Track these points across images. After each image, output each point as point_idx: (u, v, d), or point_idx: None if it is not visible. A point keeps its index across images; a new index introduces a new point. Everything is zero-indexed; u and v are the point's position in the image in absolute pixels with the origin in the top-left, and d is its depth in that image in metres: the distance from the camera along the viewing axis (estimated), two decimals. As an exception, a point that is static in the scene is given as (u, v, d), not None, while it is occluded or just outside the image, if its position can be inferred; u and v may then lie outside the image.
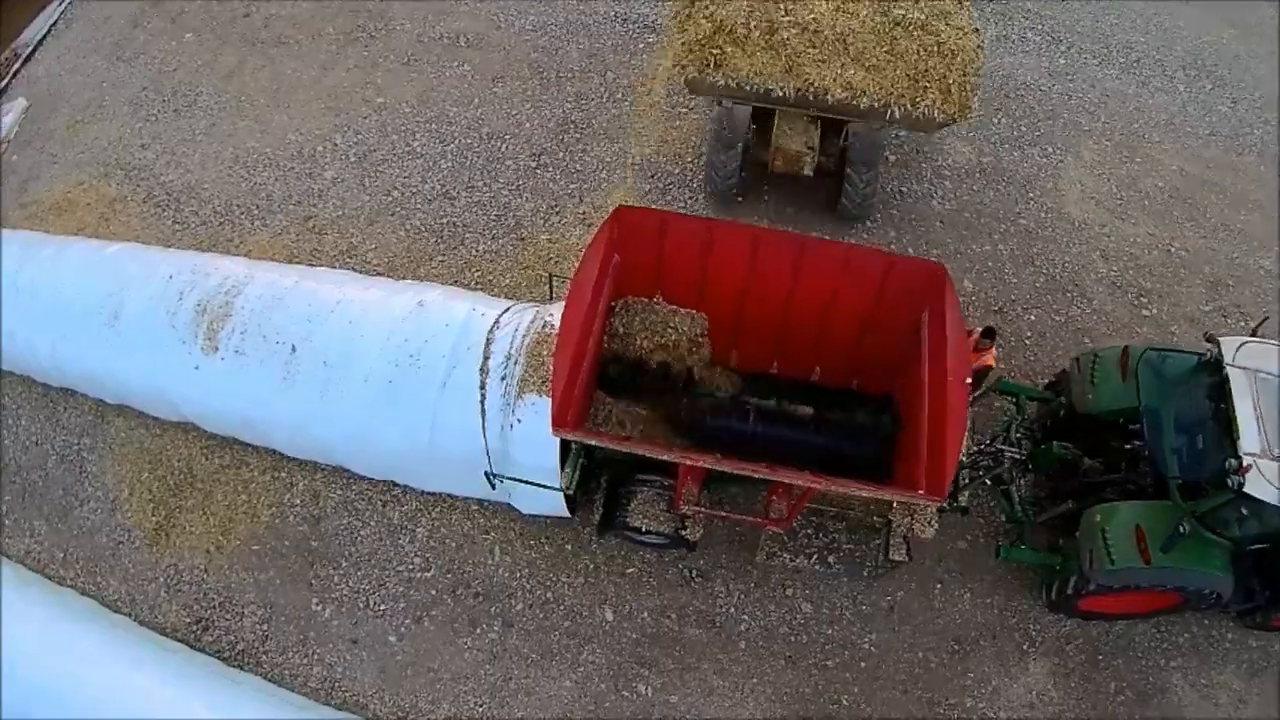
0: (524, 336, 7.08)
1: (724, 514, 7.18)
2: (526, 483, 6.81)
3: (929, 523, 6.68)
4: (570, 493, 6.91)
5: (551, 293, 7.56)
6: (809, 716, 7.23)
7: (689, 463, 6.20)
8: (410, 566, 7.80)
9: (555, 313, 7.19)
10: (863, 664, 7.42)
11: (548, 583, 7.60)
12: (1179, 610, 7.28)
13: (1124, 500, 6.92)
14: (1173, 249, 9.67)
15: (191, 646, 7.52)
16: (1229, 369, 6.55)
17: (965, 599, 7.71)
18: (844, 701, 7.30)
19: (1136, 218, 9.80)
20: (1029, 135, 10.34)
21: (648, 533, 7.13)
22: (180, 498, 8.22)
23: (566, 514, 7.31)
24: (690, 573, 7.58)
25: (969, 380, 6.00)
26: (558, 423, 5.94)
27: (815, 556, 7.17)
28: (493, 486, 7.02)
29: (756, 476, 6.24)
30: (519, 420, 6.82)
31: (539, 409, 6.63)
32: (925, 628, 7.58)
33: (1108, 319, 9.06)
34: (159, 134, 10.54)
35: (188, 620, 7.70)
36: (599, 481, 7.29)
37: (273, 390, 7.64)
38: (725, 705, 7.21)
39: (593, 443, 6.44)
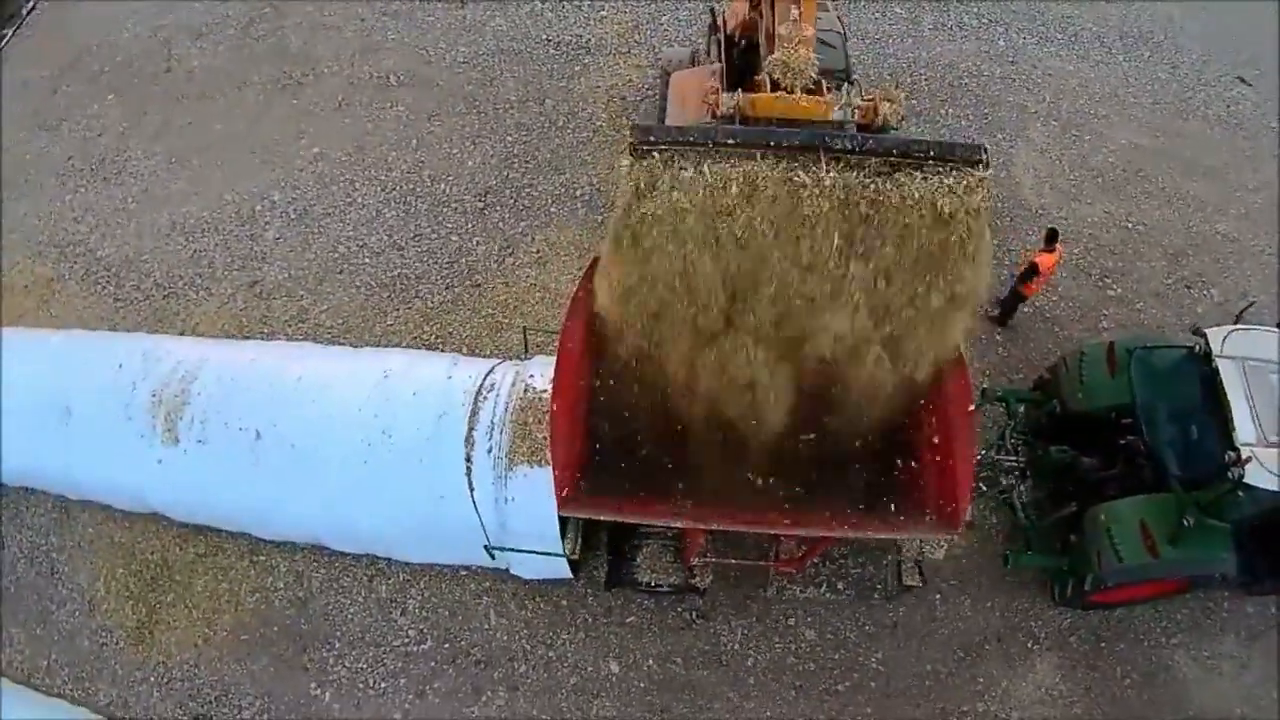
0: (507, 403, 6.91)
1: (735, 561, 7.03)
2: (530, 552, 6.65)
3: (939, 544, 6.65)
4: (575, 558, 6.77)
5: (527, 347, 7.34)
6: (827, 743, 7.21)
7: (703, 527, 6.00)
8: (405, 640, 7.59)
9: (535, 372, 7.02)
10: (873, 684, 7.40)
11: (548, 641, 7.45)
12: (1186, 592, 7.41)
13: (1124, 495, 6.96)
14: (1130, 224, 9.75)
15: (194, 745, 7.22)
16: (1218, 360, 6.61)
17: (966, 606, 7.72)
18: (859, 723, 7.29)
19: (1092, 197, 9.86)
20: (977, 124, 10.35)
21: (658, 586, 7.02)
22: (159, 592, 7.92)
23: (569, 576, 7.17)
24: (691, 614, 7.49)
25: (972, 408, 5.84)
26: (563, 503, 5.72)
27: (825, 585, 7.12)
28: (492, 558, 6.85)
29: (774, 532, 6.06)
30: (513, 497, 6.67)
31: (534, 480, 6.47)
32: (930, 639, 7.59)
33: (1074, 303, 9.11)
34: (90, 205, 10.09)
35: (185, 718, 7.43)
36: (600, 538, 7.16)
37: (241, 478, 7.41)
38: (742, 744, 7.16)
39: (602, 518, 6.18)
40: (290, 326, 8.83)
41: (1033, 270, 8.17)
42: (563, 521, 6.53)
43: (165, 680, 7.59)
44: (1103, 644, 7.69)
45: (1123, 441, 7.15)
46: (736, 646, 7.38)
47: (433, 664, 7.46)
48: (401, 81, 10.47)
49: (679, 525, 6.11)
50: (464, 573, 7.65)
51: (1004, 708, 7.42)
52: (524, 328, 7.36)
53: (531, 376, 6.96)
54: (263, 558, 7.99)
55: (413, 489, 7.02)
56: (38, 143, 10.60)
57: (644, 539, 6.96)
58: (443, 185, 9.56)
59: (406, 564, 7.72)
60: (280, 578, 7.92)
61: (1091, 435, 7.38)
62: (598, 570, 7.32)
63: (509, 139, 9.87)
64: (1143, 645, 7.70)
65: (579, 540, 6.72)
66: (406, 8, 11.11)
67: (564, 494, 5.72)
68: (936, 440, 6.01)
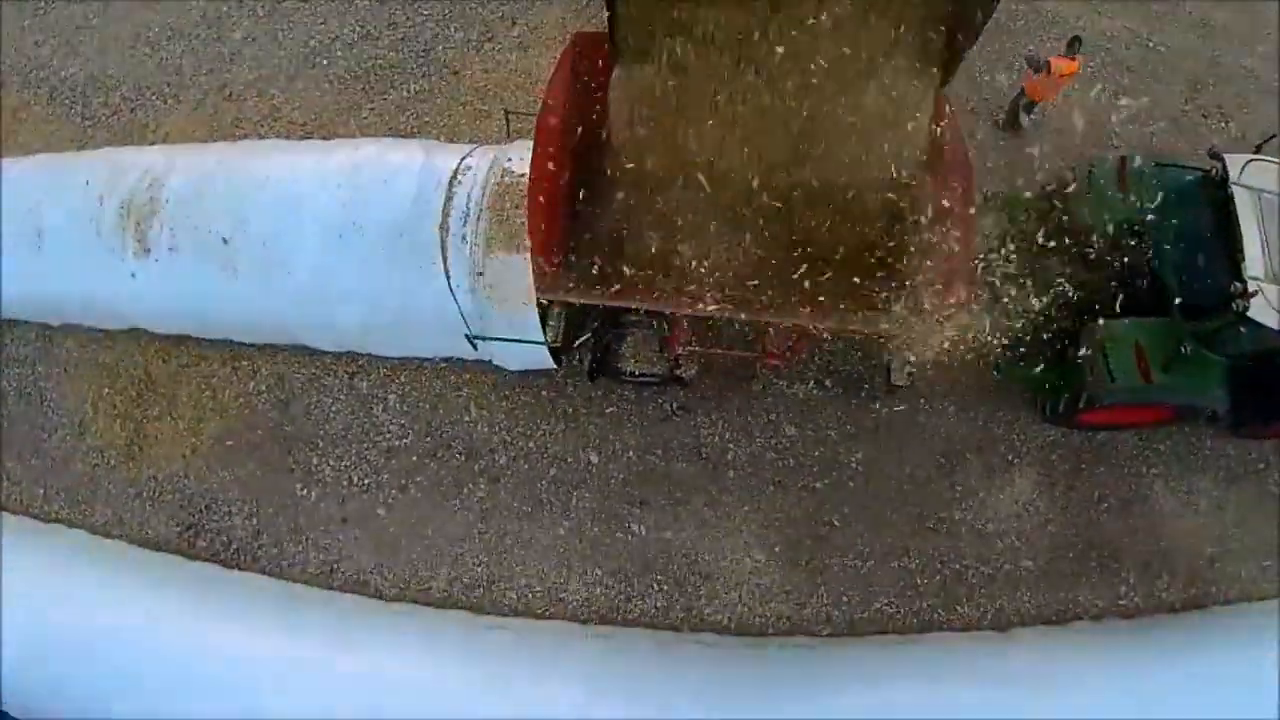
0: (483, 189, 6.61)
1: (721, 351, 6.88)
2: (510, 341, 6.51)
3: (928, 342, 6.49)
4: (557, 345, 6.61)
5: (509, 130, 6.99)
6: (801, 539, 7.31)
7: (692, 313, 5.76)
8: (388, 435, 7.61)
9: (514, 155, 6.70)
10: (851, 483, 7.44)
11: (528, 433, 7.46)
12: (1173, 423, 7.36)
13: (1123, 315, 6.79)
14: (1151, 44, 9.18)
15: (186, 555, 7.42)
16: (1234, 188, 6.32)
17: (950, 414, 7.68)
18: (835, 522, 7.37)
19: (1114, 10, 9.24)
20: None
21: (643, 376, 6.89)
22: (145, 407, 7.92)
23: (552, 365, 7.06)
24: (672, 406, 7.45)
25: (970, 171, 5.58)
26: (540, 285, 5.52)
27: (812, 381, 7.02)
28: (475, 348, 6.73)
29: (767, 321, 5.81)
30: (491, 285, 6.49)
31: (512, 267, 6.28)
32: (911, 444, 7.58)
33: (1085, 117, 8.64)
34: (50, 26, 9.53)
35: (178, 529, 7.57)
36: (585, 326, 6.98)
37: (216, 283, 7.30)
38: (719, 535, 7.25)
39: (582, 301, 5.94)
40: (263, 127, 8.50)
41: (1045, 67, 7.71)
42: (545, 310, 6.38)
43: (157, 494, 7.70)
44: (1083, 466, 7.68)
45: (1127, 259, 6.93)
46: (716, 440, 7.39)
47: (415, 458, 7.51)
48: None
49: (661, 309, 5.88)
50: (444, 366, 7.60)
51: (979, 518, 7.48)
52: (505, 110, 6.99)
53: (510, 160, 6.67)
54: (245, 363, 7.93)
55: (386, 280, 6.89)
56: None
57: (629, 328, 6.79)
58: (416, -28, 8.98)
59: (386, 360, 7.66)
60: (262, 380, 7.89)
61: (1095, 250, 7.10)
62: (582, 362, 7.19)
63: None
64: (1122, 472, 7.69)
65: (561, 328, 6.56)
66: None
67: (541, 276, 5.51)
68: (934, 215, 5.74)
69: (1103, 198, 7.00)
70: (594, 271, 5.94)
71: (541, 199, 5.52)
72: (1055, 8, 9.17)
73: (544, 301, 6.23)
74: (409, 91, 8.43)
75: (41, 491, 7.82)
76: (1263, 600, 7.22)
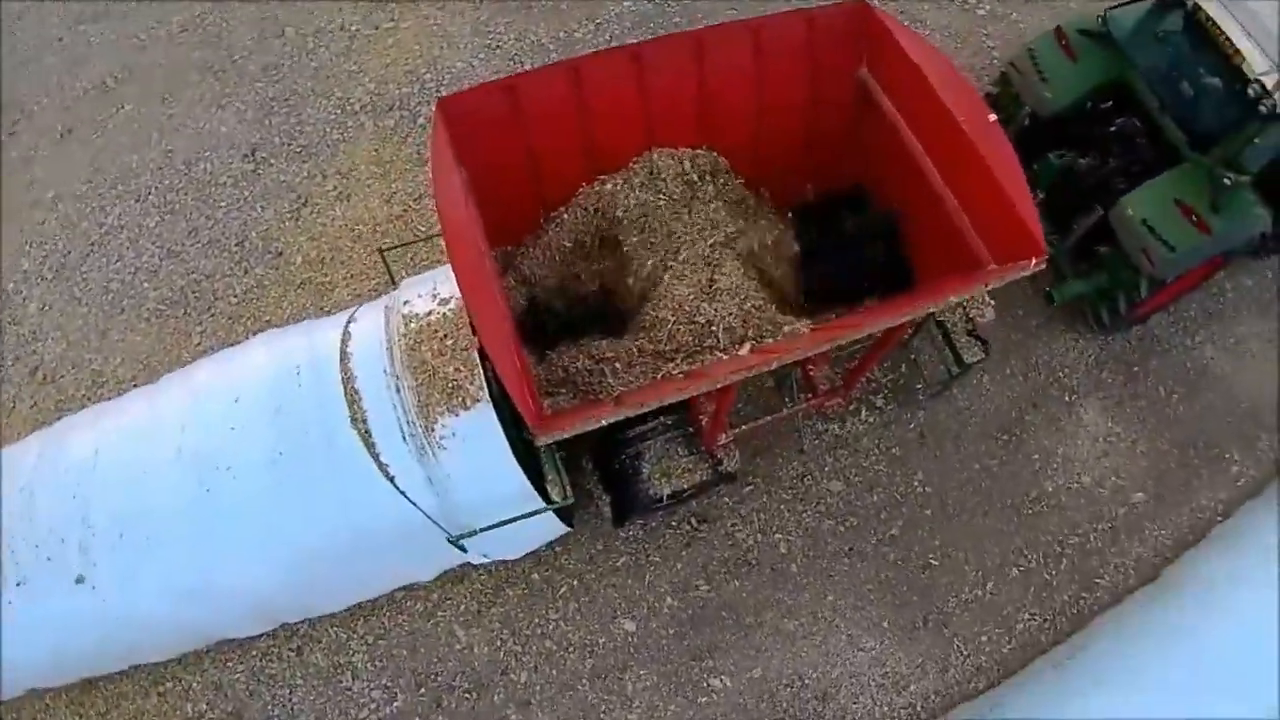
0: (389, 350, 4.99)
1: (769, 419, 5.51)
2: (510, 521, 4.85)
3: (986, 303, 5.36)
4: (570, 502, 5.02)
5: (392, 277, 5.55)
6: (906, 600, 5.93)
7: (739, 377, 4.15)
8: (373, 705, 5.83)
9: (409, 294, 5.19)
10: (926, 510, 6.15)
11: (539, 630, 5.82)
12: (1222, 269, 6.71)
13: (1134, 186, 6.00)
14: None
15: None
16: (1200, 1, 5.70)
17: (986, 384, 6.61)
18: (932, 561, 6.04)
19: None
20: None
21: (685, 492, 5.40)
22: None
23: (566, 530, 5.55)
24: (691, 524, 5.99)
25: (992, 117, 4.50)
26: (538, 424, 3.92)
27: (861, 409, 5.75)
28: (464, 550, 5.12)
29: (836, 342, 4.31)
30: (449, 473, 4.82)
31: (467, 429, 4.69)
32: (965, 435, 6.42)
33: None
34: None
35: None
36: (581, 467, 5.50)
37: (81, 602, 5.40)
38: (815, 643, 5.77)
39: (597, 425, 3.95)
40: (88, 398, 6.90)
41: None
42: (536, 465, 4.87)
43: None
44: (1135, 368, 6.84)
45: (1112, 128, 6.27)
46: (759, 538, 5.95)
47: (417, 718, 5.75)
48: (120, 80, 8.56)
49: (699, 389, 4.15)
50: (400, 597, 5.91)
51: (1070, 476, 6.41)
52: (379, 249, 5.54)
53: (406, 303, 5.15)
54: (169, 685, 6.10)
55: (302, 523, 5.18)
56: None
57: (641, 442, 5.27)
58: (201, 165, 7.72)
59: (331, 617, 5.95)
60: (199, 699, 6.05)
61: (1071, 134, 6.46)
62: (597, 508, 5.69)
63: (258, 85, 8.03)
64: (1172, 355, 6.94)
65: (564, 479, 4.90)
66: (102, 8, 9.06)
67: (534, 417, 3.96)
68: (963, 170, 4.63)
69: (1058, 76, 6.28)
70: (594, 379, 4.62)
71: (502, 326, 4.10)
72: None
73: (540, 449, 4.69)
74: (236, 295, 6.99)
75: None
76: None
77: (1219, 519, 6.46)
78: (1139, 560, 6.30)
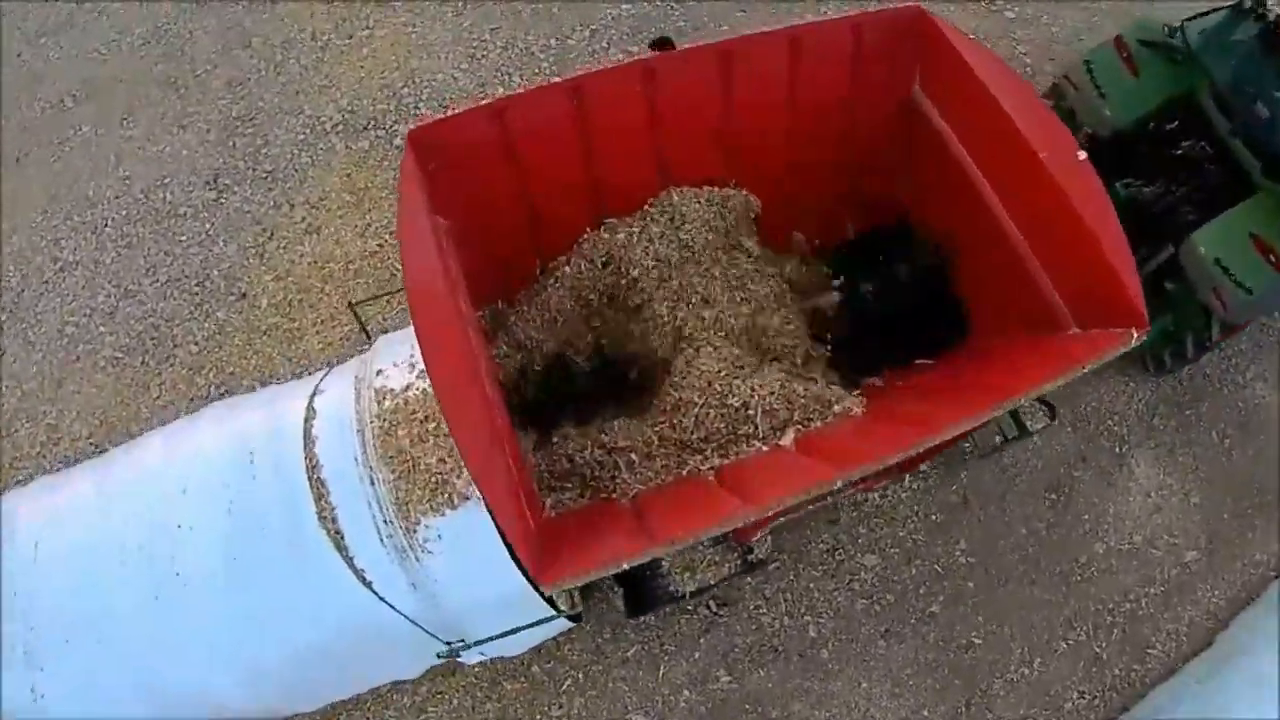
0: (360, 434, 4.28)
1: (814, 508, 4.86)
2: (510, 633, 4.19)
3: None
4: (578, 612, 4.49)
5: (366, 331, 4.84)
6: (947, 682, 5.35)
7: (781, 506, 3.30)
8: (357, 819, 5.21)
9: (384, 363, 4.47)
10: (970, 583, 5.55)
11: (543, 731, 5.20)
12: None
13: (1204, 218, 5.36)
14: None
15: None
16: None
17: (1032, 439, 5.97)
18: (974, 640, 5.45)
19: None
20: None
21: (708, 587, 4.83)
22: None
23: (571, 625, 4.92)
24: (710, 608, 5.34)
25: (1081, 153, 3.79)
26: (542, 575, 3.05)
27: (904, 478, 5.11)
28: (458, 656, 4.48)
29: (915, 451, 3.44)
30: (436, 578, 4.14)
31: (454, 530, 4.03)
32: (1011, 497, 5.83)
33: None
34: None
35: None
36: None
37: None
38: (850, 735, 5.19)
39: (618, 569, 3.08)
40: (43, 461, 6.17)
41: None
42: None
43: None
44: (1187, 412, 6.29)
45: (1178, 151, 5.65)
46: (786, 621, 5.31)
47: (407, 834, 5.14)
48: (79, 99, 7.72)
49: (741, 522, 3.26)
50: (387, 691, 5.25)
51: (1121, 536, 5.85)
52: (350, 303, 4.78)
53: (380, 373, 4.43)
54: None
55: (258, 633, 4.49)
56: None
57: None
58: (161, 193, 6.93)
59: (310, 715, 5.29)
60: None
61: (1134, 157, 5.82)
62: (622, 605, 5.00)
63: (222, 103, 7.23)
64: (1223, 394, 6.38)
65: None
66: (64, 18, 8.21)
67: (539, 567, 3.10)
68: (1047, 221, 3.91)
69: (1118, 93, 5.64)
70: (605, 473, 3.91)
71: (488, 435, 3.21)
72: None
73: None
74: (199, 341, 6.25)
75: None
76: None
77: (1272, 574, 5.96)
78: (1191, 624, 5.77)
